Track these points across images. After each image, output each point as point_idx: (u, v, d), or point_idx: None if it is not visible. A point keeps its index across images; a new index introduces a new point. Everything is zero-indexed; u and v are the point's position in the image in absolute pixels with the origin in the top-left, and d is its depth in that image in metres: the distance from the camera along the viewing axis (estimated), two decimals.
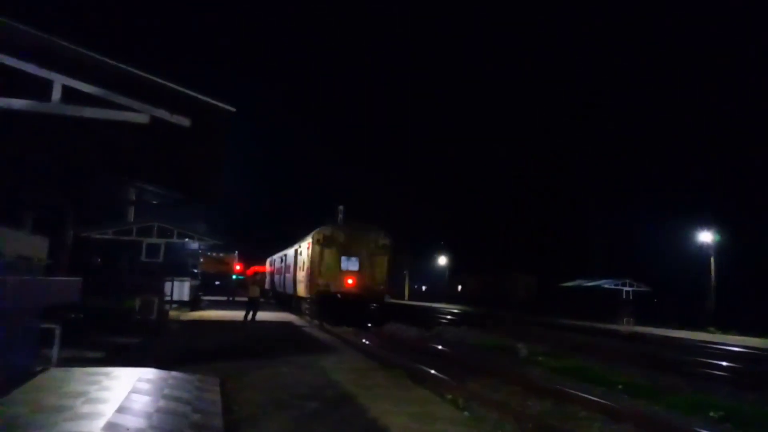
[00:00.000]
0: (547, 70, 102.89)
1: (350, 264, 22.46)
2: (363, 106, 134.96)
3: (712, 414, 8.90)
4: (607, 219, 51.89)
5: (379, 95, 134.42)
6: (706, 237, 34.73)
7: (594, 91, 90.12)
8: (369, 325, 21.64)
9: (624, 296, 37.63)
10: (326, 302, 22.14)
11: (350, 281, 22.24)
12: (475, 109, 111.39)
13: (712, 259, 34.23)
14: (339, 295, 22.06)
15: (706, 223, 34.95)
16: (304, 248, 24.97)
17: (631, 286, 37.74)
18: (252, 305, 19.03)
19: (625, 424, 8.05)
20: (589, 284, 41.20)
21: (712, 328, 30.18)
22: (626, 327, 30.89)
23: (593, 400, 9.15)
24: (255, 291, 19.85)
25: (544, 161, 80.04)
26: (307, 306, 24.18)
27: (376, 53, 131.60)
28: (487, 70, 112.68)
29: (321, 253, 22.43)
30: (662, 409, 9.23)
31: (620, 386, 10.95)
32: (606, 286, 38.99)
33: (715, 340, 23.57)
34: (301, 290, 25.31)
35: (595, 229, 50.97)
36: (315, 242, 22.73)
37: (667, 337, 24.55)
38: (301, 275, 25.41)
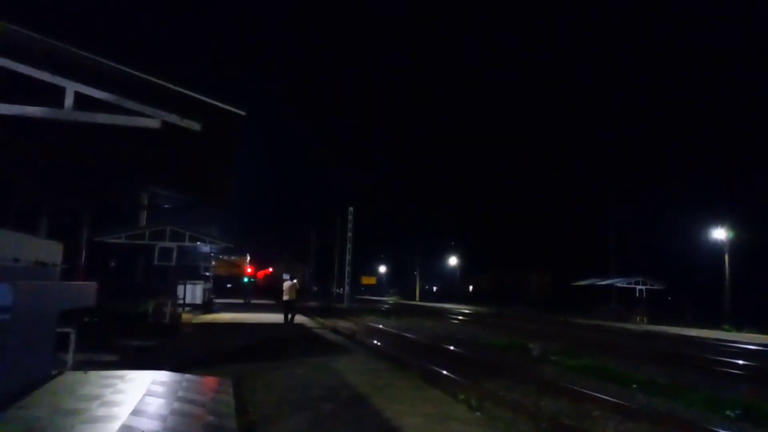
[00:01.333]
0: (547, 70, 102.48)
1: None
2: (364, 106, 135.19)
3: (728, 413, 8.80)
4: (621, 217, 51.46)
5: (379, 95, 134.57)
6: (719, 234, 34.37)
7: (598, 90, 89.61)
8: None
9: (637, 295, 37.36)
10: None
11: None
12: (478, 109, 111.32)
13: (726, 257, 33.86)
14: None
15: (719, 220, 34.61)
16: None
17: (644, 284, 37.44)
18: (290, 307, 19.75)
19: (641, 423, 7.99)
20: (603, 283, 40.91)
21: (726, 326, 29.82)
22: (640, 326, 30.65)
23: (608, 399, 9.08)
24: (292, 293, 19.96)
25: (558, 160, 79.79)
26: None
27: (376, 53, 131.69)
28: (487, 70, 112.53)
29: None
30: (678, 408, 9.15)
31: (635, 385, 10.87)
32: (619, 284, 38.69)
33: (731, 338, 23.30)
34: None
35: (609, 228, 50.55)
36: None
37: (681, 336, 24.31)
38: None
